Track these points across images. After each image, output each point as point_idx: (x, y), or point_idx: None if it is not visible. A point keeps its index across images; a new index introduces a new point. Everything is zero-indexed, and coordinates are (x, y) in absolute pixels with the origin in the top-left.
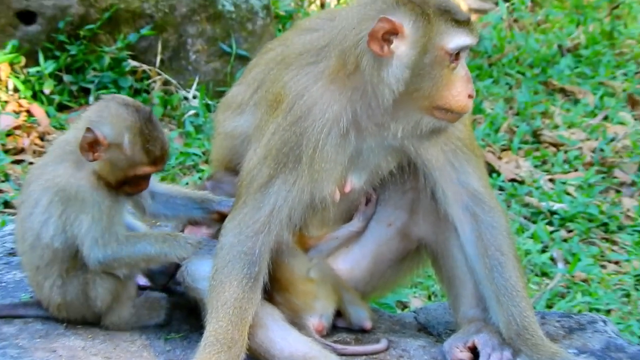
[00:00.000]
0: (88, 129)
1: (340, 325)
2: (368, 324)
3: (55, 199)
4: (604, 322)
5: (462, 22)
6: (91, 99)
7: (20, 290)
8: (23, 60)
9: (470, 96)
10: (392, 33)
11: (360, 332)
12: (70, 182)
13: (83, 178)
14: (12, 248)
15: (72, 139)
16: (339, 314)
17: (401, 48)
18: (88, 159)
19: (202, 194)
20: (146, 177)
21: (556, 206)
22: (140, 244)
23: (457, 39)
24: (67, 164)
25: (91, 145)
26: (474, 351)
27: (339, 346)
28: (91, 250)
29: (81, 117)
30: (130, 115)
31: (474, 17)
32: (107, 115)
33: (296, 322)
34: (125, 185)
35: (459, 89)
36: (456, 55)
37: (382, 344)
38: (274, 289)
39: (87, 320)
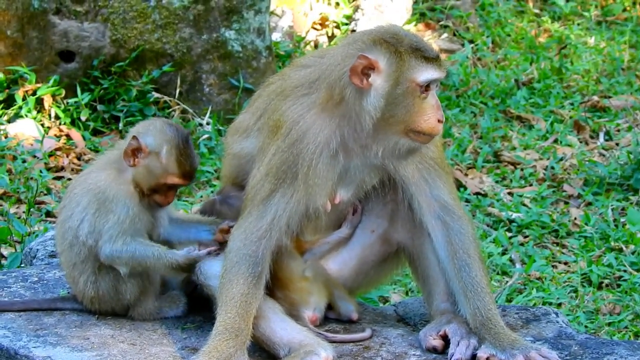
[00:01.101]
0: (134, 137)
1: (331, 317)
2: (355, 316)
3: (93, 199)
4: (556, 314)
5: (431, 59)
6: (121, 125)
7: (59, 286)
8: (63, 92)
9: (439, 121)
10: (370, 68)
11: (348, 323)
12: (110, 186)
13: (122, 184)
14: (52, 251)
15: (116, 152)
16: (330, 307)
17: (377, 81)
18: (129, 163)
19: (210, 219)
20: (174, 189)
21: (514, 215)
22: (140, 251)
23: (427, 73)
24: (110, 171)
25: (134, 151)
26: (445, 339)
27: (329, 334)
28: (104, 243)
29: (130, 131)
30: (171, 132)
31: (443, 56)
32: (152, 129)
33: (293, 314)
34: (155, 193)
35: (429, 114)
36: (426, 87)
37: (367, 333)
38: (275, 286)
39: (116, 312)
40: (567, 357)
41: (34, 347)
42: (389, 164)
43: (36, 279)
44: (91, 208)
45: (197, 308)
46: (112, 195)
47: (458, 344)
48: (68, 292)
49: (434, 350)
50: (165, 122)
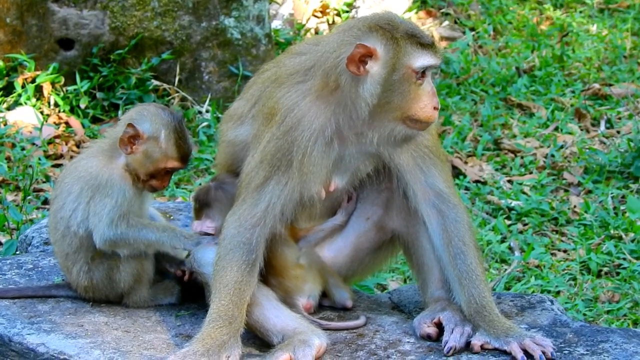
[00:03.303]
0: (129, 125)
1: (325, 304)
2: (349, 303)
3: (86, 187)
4: (551, 301)
5: (426, 45)
6: (120, 112)
7: (53, 274)
8: (62, 80)
9: (435, 108)
10: (367, 56)
11: (342, 310)
12: (103, 172)
13: (115, 169)
14: (47, 238)
15: (107, 141)
16: (324, 294)
17: (374, 68)
18: (126, 152)
19: (170, 228)
20: (170, 173)
21: (514, 203)
22: (144, 230)
23: (422, 60)
24: (101, 157)
25: (130, 139)
26: (440, 326)
27: (324, 322)
28: (105, 228)
29: (120, 119)
30: (166, 116)
31: (444, 44)
32: (147, 114)
33: (288, 301)
34: (152, 179)
35: (425, 101)
36: (422, 73)
37: (361, 320)
38: (269, 273)
39: (110, 299)
40: (562, 345)
41: (28, 334)
42: (384, 151)
43: (31, 266)
44: (85, 196)
45: (191, 296)
46: (106, 180)
47: (452, 332)
48: (62, 280)
49: (428, 337)
50: (157, 106)
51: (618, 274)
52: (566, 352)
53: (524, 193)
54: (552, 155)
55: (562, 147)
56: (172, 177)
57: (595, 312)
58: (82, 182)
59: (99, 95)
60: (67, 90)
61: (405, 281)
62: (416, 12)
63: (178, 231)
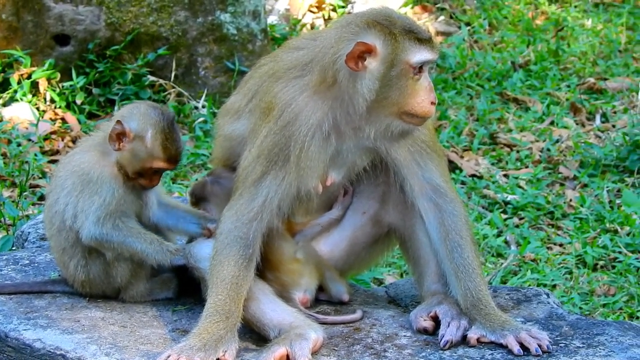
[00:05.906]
0: (118, 122)
1: (322, 299)
2: (346, 297)
3: (77, 182)
4: (547, 294)
5: (423, 40)
6: (116, 108)
7: (49, 269)
8: (58, 76)
9: (432, 103)
10: (367, 52)
11: (339, 304)
12: (94, 167)
13: (106, 166)
14: (44, 234)
15: (100, 134)
16: (321, 289)
17: (373, 64)
18: (114, 148)
19: (199, 212)
20: (159, 173)
21: (509, 197)
22: (130, 238)
23: (420, 55)
24: (93, 153)
25: (118, 135)
26: (436, 320)
27: (320, 316)
28: (91, 225)
29: (114, 114)
30: (156, 115)
31: (440, 39)
32: (137, 113)
33: (284, 296)
34: (140, 177)
35: (422, 96)
36: (420, 68)
37: (358, 314)
38: (266, 268)
39: (107, 294)
40: (558, 338)
41: (25, 329)
42: (381, 146)
43: (27, 261)
44: (75, 190)
45: (188, 290)
46: (97, 177)
47: (448, 325)
48: (59, 275)
49: (424, 331)
50: (150, 105)
51: (614, 267)
52: (562, 345)
53: (520, 187)
54: (548, 149)
55: (557, 141)
56: (170, 172)
57: (591, 305)
58: (74, 176)
59: (95, 91)
60: (63, 86)
61: (401, 275)
62: (412, 7)
63: (165, 245)
